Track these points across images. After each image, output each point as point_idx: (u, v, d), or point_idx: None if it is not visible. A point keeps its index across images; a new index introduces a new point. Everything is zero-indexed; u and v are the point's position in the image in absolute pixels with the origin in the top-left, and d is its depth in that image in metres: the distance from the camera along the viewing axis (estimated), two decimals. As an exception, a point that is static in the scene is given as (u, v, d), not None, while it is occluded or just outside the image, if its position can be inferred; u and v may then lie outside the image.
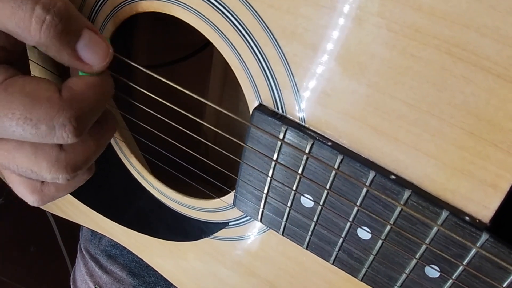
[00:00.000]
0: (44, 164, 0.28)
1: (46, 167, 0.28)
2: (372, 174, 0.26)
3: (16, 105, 0.25)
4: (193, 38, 0.49)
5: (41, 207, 0.58)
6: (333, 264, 0.32)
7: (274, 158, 0.30)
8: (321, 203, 0.29)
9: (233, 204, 0.36)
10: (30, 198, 0.32)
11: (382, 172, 0.26)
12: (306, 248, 0.33)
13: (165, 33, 0.49)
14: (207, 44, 0.51)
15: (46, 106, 0.25)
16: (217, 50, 0.30)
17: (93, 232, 0.65)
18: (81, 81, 0.28)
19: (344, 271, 0.32)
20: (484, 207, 0.25)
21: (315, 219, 0.30)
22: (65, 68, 0.38)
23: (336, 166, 0.27)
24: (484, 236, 0.24)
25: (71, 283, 0.69)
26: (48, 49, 0.26)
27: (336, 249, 0.31)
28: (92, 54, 0.27)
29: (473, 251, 0.25)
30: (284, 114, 0.29)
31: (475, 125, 0.23)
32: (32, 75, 0.40)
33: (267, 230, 0.36)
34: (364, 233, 0.29)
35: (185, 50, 0.50)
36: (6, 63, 0.28)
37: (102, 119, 0.31)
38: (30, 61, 0.40)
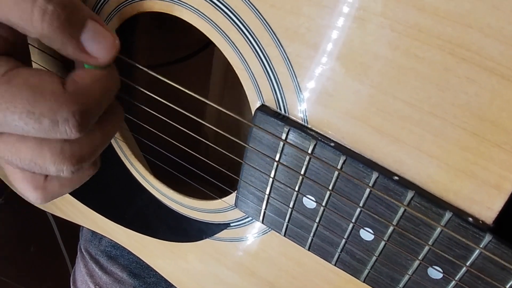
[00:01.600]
0: (48, 155, 0.27)
1: (50, 159, 0.27)
2: (375, 175, 0.26)
3: (19, 98, 0.24)
4: (194, 38, 0.49)
5: (40, 207, 0.58)
6: (335, 265, 0.32)
7: (276, 158, 0.30)
8: (323, 204, 0.29)
9: (235, 205, 0.36)
10: (34, 195, 0.31)
11: (385, 173, 0.26)
12: (308, 249, 0.33)
13: (165, 33, 0.48)
14: (208, 44, 0.51)
15: (50, 100, 0.25)
16: (218, 50, 0.30)
17: (93, 233, 0.65)
18: (86, 74, 0.27)
19: (346, 272, 0.32)
20: (487, 208, 0.25)
21: (317, 220, 0.30)
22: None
23: (338, 167, 0.27)
24: (488, 237, 0.24)
25: (71, 284, 0.68)
26: (51, 42, 0.25)
27: (339, 250, 0.31)
28: (98, 45, 0.26)
29: (476, 252, 0.25)
30: (287, 114, 0.29)
31: (478, 126, 0.23)
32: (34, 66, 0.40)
33: (269, 231, 0.36)
34: (366, 234, 0.29)
35: (185, 51, 0.50)
36: (8, 54, 0.27)
37: (109, 110, 0.30)
38: (31, 46, 0.39)
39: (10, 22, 0.24)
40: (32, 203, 0.32)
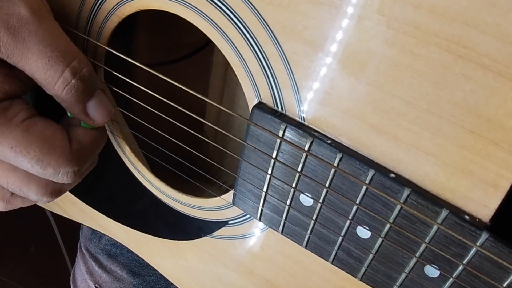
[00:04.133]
0: (33, 187, 0.31)
1: (35, 190, 0.31)
2: (371, 172, 0.26)
3: (34, 147, 0.28)
4: (194, 37, 0.49)
5: (41, 205, 0.58)
6: (332, 263, 0.32)
7: (274, 156, 0.30)
8: (320, 201, 0.29)
9: (233, 203, 0.36)
10: None
11: (382, 170, 0.26)
12: (305, 247, 0.33)
13: (165, 32, 0.49)
14: (207, 43, 0.51)
15: (59, 155, 0.29)
16: (217, 49, 0.30)
17: (93, 231, 0.65)
18: (87, 136, 0.31)
19: (343, 270, 0.32)
20: (484, 206, 0.25)
21: (314, 218, 0.30)
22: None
23: (335, 164, 0.27)
24: (484, 236, 0.24)
25: (71, 283, 0.69)
26: (63, 102, 0.29)
27: (335, 248, 0.31)
28: (98, 112, 0.31)
29: (473, 250, 0.25)
30: (284, 112, 0.29)
31: (475, 124, 0.23)
32: None
33: (267, 229, 0.36)
34: (363, 232, 0.29)
35: (185, 49, 0.50)
36: (23, 95, 0.30)
37: None
38: None
39: (34, 77, 0.28)
40: None
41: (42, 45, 0.27)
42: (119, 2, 0.33)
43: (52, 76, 0.27)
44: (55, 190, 0.32)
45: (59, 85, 0.28)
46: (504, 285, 0.25)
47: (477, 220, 0.25)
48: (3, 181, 0.31)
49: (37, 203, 0.34)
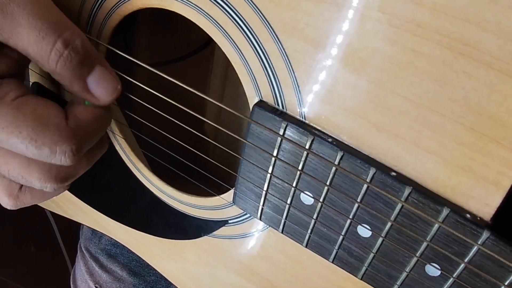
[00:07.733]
0: (35, 173, 0.30)
1: (37, 176, 0.30)
2: (372, 170, 0.26)
3: (26, 126, 0.27)
4: (194, 36, 0.49)
5: (40, 205, 0.58)
6: (332, 262, 0.32)
7: (274, 154, 0.30)
8: (321, 200, 0.29)
9: (233, 202, 0.36)
10: (5, 201, 0.33)
11: (383, 168, 0.26)
12: (306, 246, 0.32)
13: (165, 31, 0.49)
14: (208, 43, 0.51)
15: (53, 132, 0.28)
16: (218, 49, 0.30)
17: (93, 231, 0.65)
18: (87, 112, 0.30)
19: (344, 269, 0.32)
20: (485, 205, 0.25)
21: (315, 217, 0.30)
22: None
23: (336, 163, 0.27)
24: (485, 234, 0.24)
25: (71, 283, 0.68)
26: (61, 79, 0.28)
27: (336, 247, 0.31)
28: (101, 88, 0.29)
29: (474, 249, 0.25)
30: (284, 110, 0.29)
31: (476, 121, 0.23)
32: (30, 82, 0.41)
33: (267, 228, 0.36)
34: (364, 231, 0.29)
35: (185, 49, 0.50)
36: (16, 74, 0.30)
37: (98, 141, 0.32)
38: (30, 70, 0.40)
39: (27, 53, 0.27)
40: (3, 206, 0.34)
41: (32, 18, 0.26)
42: (119, 1, 0.33)
43: (44, 49, 0.26)
44: (60, 175, 0.31)
45: (52, 57, 0.27)
46: (506, 283, 0.25)
47: (478, 218, 0.25)
48: (4, 169, 0.30)
49: (45, 193, 0.33)
